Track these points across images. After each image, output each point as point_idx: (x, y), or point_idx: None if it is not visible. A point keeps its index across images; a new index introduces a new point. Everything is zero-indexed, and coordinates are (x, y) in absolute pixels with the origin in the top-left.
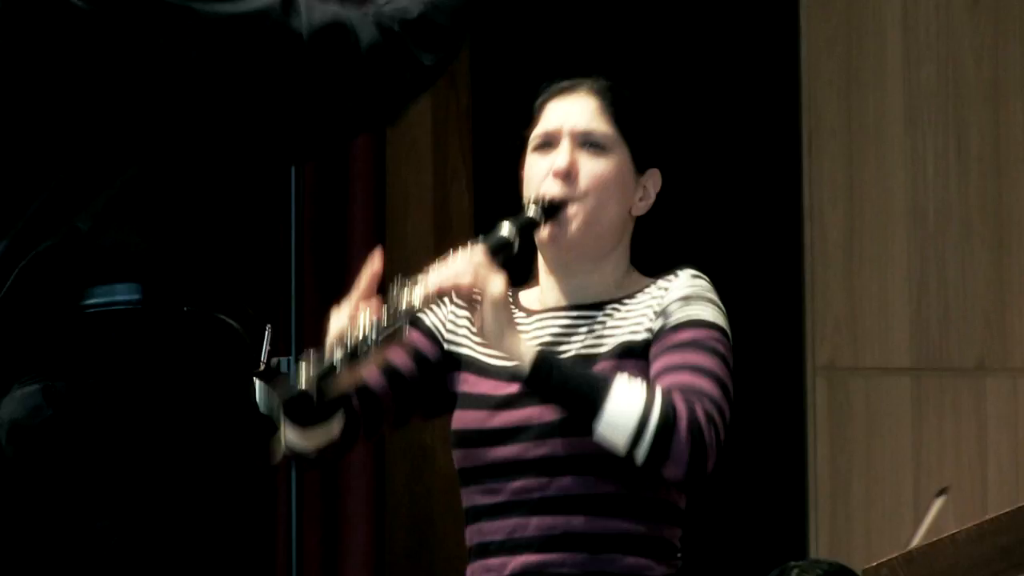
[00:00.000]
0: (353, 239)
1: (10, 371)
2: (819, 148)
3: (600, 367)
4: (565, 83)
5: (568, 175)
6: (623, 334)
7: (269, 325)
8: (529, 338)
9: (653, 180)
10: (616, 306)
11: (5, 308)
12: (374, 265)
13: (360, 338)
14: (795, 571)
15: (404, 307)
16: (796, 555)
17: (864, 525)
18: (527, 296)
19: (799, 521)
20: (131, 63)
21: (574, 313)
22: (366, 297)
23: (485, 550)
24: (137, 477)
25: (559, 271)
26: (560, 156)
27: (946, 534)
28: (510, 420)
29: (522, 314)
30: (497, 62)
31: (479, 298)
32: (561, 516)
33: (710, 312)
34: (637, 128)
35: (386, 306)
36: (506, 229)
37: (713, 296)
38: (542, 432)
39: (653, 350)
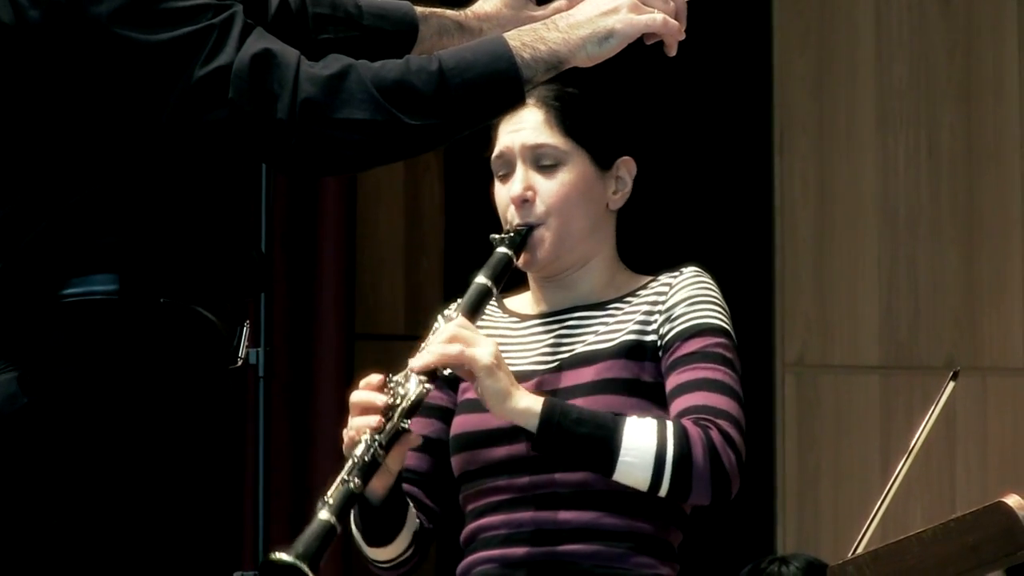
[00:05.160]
0: (324, 230)
1: None
2: (790, 146)
3: (606, 364)
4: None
5: (525, 201)
6: (628, 332)
7: (247, 320)
8: (528, 343)
9: (625, 168)
10: (619, 305)
11: None
12: (372, 381)
13: (365, 455)
14: (774, 565)
15: (400, 408)
16: (764, 551)
17: (832, 522)
18: (518, 301)
19: (767, 518)
20: (59, 76)
21: (576, 315)
22: (362, 412)
23: (487, 543)
24: (110, 466)
25: (547, 281)
26: (515, 184)
27: (913, 532)
28: None
29: (514, 319)
30: None
31: (465, 373)
32: (574, 511)
33: (715, 315)
34: (591, 130)
35: (382, 415)
36: (483, 278)
37: (717, 296)
38: None
39: (664, 363)
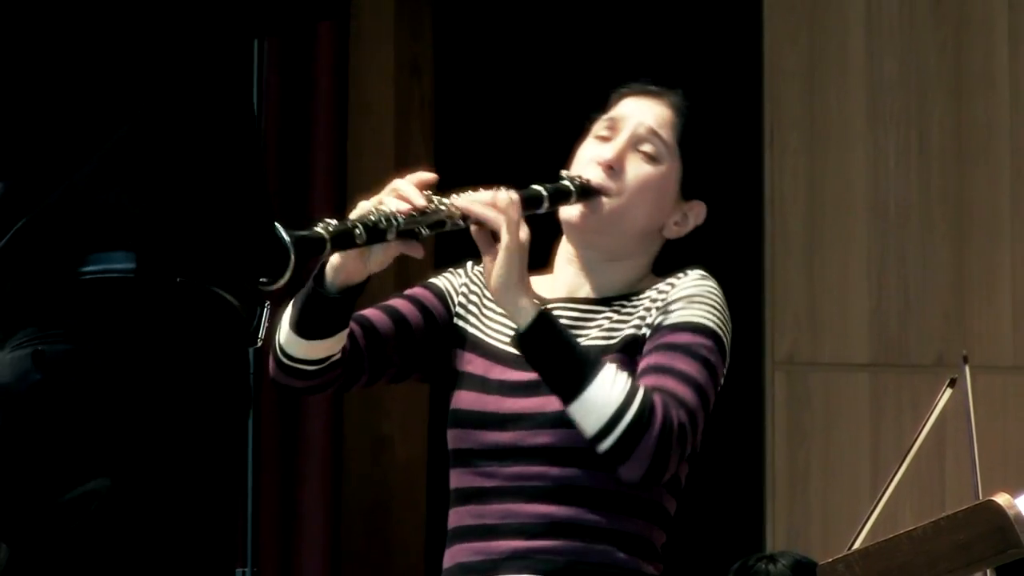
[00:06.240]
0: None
1: (2, 333)
2: (781, 141)
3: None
4: (652, 87)
5: (612, 168)
6: (628, 328)
7: (268, 301)
8: None
9: (696, 212)
10: (623, 302)
11: (1, 264)
12: (426, 177)
13: (385, 216)
14: (762, 563)
15: (431, 210)
16: (753, 549)
17: (821, 520)
18: (539, 283)
19: (756, 515)
20: None
21: (583, 307)
22: (397, 198)
23: (472, 532)
24: (123, 446)
25: (576, 262)
26: (611, 149)
27: (903, 531)
28: (513, 407)
29: None
30: (460, 50)
31: (498, 238)
32: (558, 505)
33: (711, 317)
34: (696, 153)
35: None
36: (539, 186)
37: (718, 300)
38: (544, 421)
39: (647, 345)
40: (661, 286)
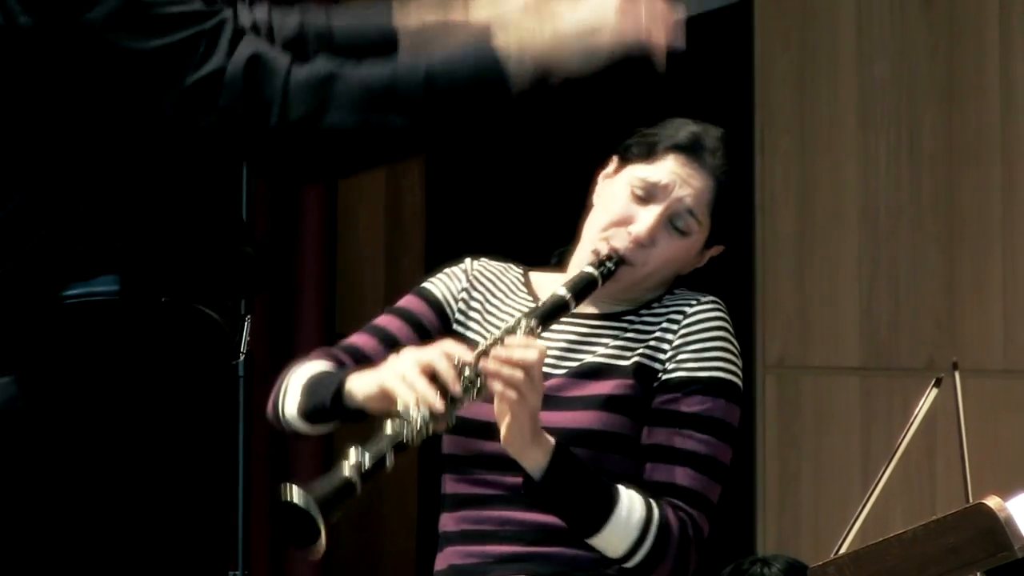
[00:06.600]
0: (304, 232)
1: None
2: (771, 145)
3: (619, 383)
4: (695, 138)
5: (641, 245)
6: (640, 353)
7: (248, 316)
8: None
9: (714, 252)
10: (631, 317)
11: None
12: (463, 359)
13: (413, 434)
14: (757, 566)
15: (457, 401)
16: (744, 552)
17: (812, 524)
18: (543, 281)
19: (747, 519)
20: (64, 80)
21: (591, 322)
22: (431, 379)
23: (468, 537)
24: (111, 468)
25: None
26: (644, 224)
27: (893, 534)
28: None
29: (532, 300)
30: None
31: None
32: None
33: (724, 367)
34: (724, 222)
35: (439, 394)
36: (564, 291)
37: (729, 340)
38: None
39: (655, 404)
40: (671, 312)
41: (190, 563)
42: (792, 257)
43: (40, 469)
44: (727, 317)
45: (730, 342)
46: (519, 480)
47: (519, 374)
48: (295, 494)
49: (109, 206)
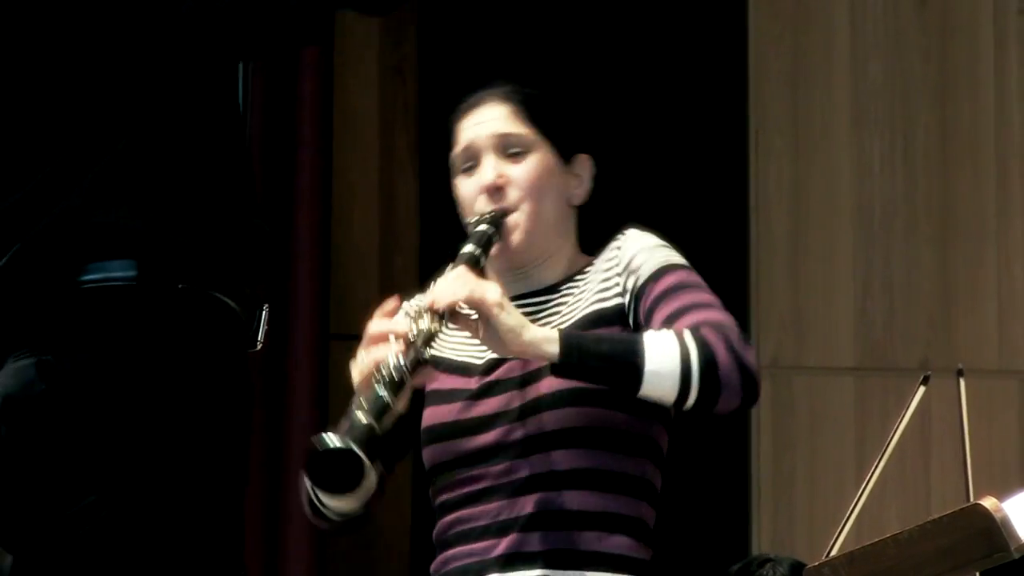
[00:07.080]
0: (299, 231)
1: (5, 345)
2: (765, 145)
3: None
4: (472, 98)
5: (498, 188)
6: (588, 305)
7: (266, 304)
8: None
9: (583, 166)
10: (569, 286)
11: (1, 284)
12: (388, 308)
13: (395, 369)
14: (768, 566)
15: (423, 334)
16: (738, 553)
17: (806, 524)
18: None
19: (742, 519)
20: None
21: (533, 299)
22: (378, 341)
23: (466, 536)
24: (127, 453)
25: (510, 272)
26: (485, 172)
27: (889, 534)
28: (487, 408)
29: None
30: (444, 55)
31: (477, 309)
32: (549, 492)
33: (675, 255)
34: (552, 122)
35: (403, 340)
36: (470, 247)
37: (666, 243)
38: (522, 413)
39: (643, 305)
40: (605, 256)
41: (204, 547)
42: (786, 257)
43: (55, 453)
44: (656, 232)
45: (667, 243)
46: (509, 465)
47: (461, 289)
48: (334, 440)
49: (126, 189)
